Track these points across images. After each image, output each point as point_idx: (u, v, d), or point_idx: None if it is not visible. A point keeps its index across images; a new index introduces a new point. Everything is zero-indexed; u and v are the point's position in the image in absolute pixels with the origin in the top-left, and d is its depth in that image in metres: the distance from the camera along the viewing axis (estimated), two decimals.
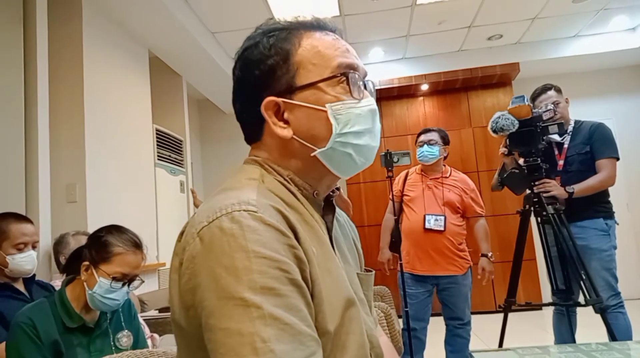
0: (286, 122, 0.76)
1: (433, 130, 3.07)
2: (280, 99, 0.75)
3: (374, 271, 0.90)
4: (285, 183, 0.76)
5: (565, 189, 2.59)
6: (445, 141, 3.04)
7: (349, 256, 0.86)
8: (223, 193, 0.70)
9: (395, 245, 3.09)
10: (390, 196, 3.13)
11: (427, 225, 2.91)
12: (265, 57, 0.76)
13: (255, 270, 0.58)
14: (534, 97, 2.85)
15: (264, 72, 0.76)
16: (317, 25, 0.80)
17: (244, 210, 0.62)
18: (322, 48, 0.77)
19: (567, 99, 2.83)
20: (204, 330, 0.59)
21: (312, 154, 0.75)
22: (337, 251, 0.80)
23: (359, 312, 0.73)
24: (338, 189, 0.86)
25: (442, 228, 2.91)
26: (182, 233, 0.68)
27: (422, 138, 3.05)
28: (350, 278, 0.79)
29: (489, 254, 2.95)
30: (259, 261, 0.58)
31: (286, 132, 0.75)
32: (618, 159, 2.69)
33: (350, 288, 0.74)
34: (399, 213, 3.09)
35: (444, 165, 3.10)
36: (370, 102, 0.78)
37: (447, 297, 2.94)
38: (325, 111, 0.74)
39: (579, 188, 2.61)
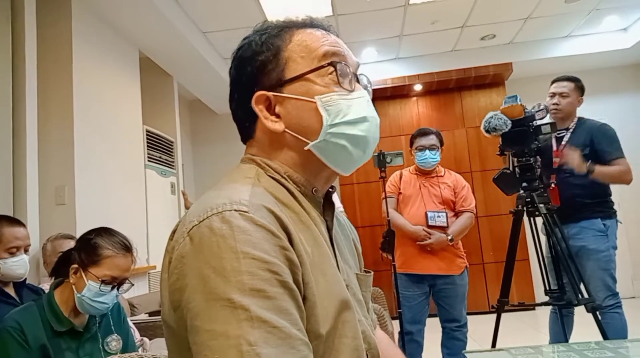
0: (278, 116, 0.75)
1: (432, 132, 2.99)
2: (270, 93, 0.75)
3: (372, 273, 0.89)
4: (282, 180, 0.75)
5: (587, 167, 2.54)
6: (442, 142, 3.02)
7: (349, 256, 0.85)
8: (216, 191, 0.69)
9: (388, 245, 3.06)
10: (384, 196, 3.08)
11: (431, 222, 2.88)
12: (257, 54, 0.76)
13: (244, 271, 0.57)
14: (553, 82, 2.84)
15: (255, 68, 0.76)
16: (309, 24, 0.80)
17: (235, 210, 0.61)
18: (310, 41, 0.77)
19: (581, 99, 2.80)
20: (189, 332, 0.58)
21: (306, 148, 0.74)
22: (337, 250, 0.79)
23: (354, 315, 0.72)
24: (333, 187, 0.84)
25: (445, 224, 2.89)
26: (174, 232, 0.67)
27: (423, 142, 2.96)
28: (349, 279, 0.78)
29: (450, 237, 2.86)
30: (248, 263, 0.57)
31: (277, 126, 0.75)
32: (625, 157, 2.65)
33: (346, 290, 0.73)
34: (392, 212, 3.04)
35: (438, 165, 3.09)
36: (362, 94, 0.77)
37: (444, 298, 2.90)
38: (315, 103, 0.73)
39: (599, 170, 2.55)
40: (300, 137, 0.74)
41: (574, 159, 2.57)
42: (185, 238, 0.62)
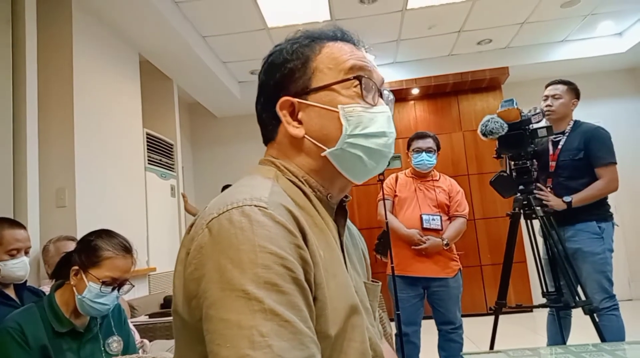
0: (300, 122, 0.78)
1: (429, 136, 3.05)
2: (295, 99, 0.78)
3: (380, 283, 0.90)
4: (299, 183, 0.77)
5: (562, 200, 2.60)
6: (439, 146, 3.07)
7: (358, 265, 0.87)
8: (236, 188, 0.71)
9: (383, 247, 3.08)
10: (380, 197, 3.07)
11: (426, 224, 2.91)
12: (287, 61, 0.80)
13: (260, 264, 0.58)
14: (546, 86, 2.87)
15: (284, 75, 0.79)
16: (340, 37, 0.83)
17: (255, 206, 0.63)
18: (339, 54, 0.80)
19: (575, 101, 2.82)
20: (204, 320, 0.59)
21: (323, 154, 0.77)
22: (347, 257, 0.80)
23: (363, 320, 0.73)
24: (347, 196, 0.86)
25: (439, 227, 2.92)
26: (191, 225, 0.69)
27: (421, 144, 3.01)
28: (358, 286, 0.79)
29: (445, 241, 2.90)
30: (264, 256, 0.59)
31: (298, 131, 0.78)
32: (616, 163, 2.65)
33: (355, 295, 0.74)
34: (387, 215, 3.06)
35: (433, 169, 3.13)
36: (384, 109, 0.80)
37: (438, 301, 2.92)
38: (337, 112, 0.76)
39: (577, 198, 2.59)
40: (318, 144, 0.77)
41: (548, 199, 2.62)
42: (204, 230, 0.63)
